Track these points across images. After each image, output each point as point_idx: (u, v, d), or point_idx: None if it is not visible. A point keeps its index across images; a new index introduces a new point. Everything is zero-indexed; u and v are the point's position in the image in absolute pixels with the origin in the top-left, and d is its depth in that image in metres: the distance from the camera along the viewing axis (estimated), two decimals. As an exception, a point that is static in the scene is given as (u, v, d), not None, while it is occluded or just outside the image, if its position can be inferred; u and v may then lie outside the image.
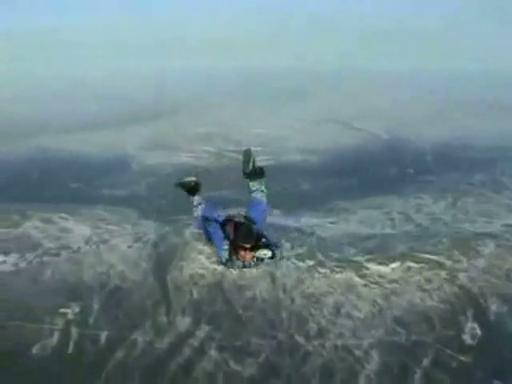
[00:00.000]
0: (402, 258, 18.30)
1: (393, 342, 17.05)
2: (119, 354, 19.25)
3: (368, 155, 38.47)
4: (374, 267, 18.52)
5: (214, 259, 18.82)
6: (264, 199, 7.98)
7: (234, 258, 7.78)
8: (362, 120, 52.32)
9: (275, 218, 22.06)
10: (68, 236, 24.38)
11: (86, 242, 25.79)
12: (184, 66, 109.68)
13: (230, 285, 18.93)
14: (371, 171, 32.83)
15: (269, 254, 7.53)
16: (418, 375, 16.11)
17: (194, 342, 20.85)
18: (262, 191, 8.16)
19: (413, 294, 17.68)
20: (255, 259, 7.88)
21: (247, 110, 67.54)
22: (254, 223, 7.80)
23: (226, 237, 7.82)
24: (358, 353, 19.03)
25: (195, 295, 17.77)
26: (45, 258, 27.57)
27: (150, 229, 26.75)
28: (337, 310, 20.89)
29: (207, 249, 18.16)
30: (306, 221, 24.62)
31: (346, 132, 49.71)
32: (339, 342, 19.07)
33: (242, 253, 7.82)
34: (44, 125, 70.59)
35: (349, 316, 21.64)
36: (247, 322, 19.74)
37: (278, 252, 7.65)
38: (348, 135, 48.77)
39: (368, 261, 19.04)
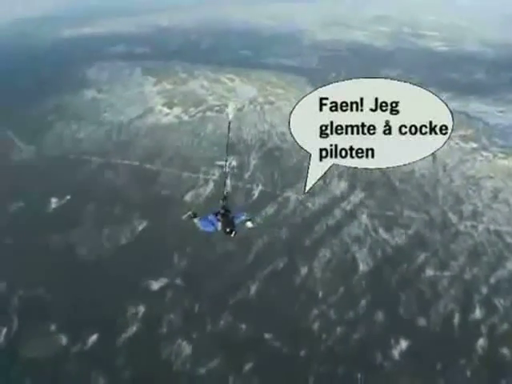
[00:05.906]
0: None
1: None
2: (270, 209, 21.17)
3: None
4: (539, 159, 17.67)
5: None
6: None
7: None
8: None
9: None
10: (233, 95, 25.94)
11: (251, 102, 27.28)
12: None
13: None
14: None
15: (251, 224, 13.17)
16: None
17: (347, 206, 22.14)
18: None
19: None
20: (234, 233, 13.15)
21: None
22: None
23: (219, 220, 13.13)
24: (509, 240, 19.04)
25: (355, 162, 18.55)
26: (208, 114, 29.84)
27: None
28: (494, 194, 20.63)
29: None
30: (475, 107, 23.60)
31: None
32: (492, 227, 19.11)
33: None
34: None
35: (506, 202, 21.31)
36: (402, 193, 20.39)
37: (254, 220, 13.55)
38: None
39: (534, 152, 18.13)
